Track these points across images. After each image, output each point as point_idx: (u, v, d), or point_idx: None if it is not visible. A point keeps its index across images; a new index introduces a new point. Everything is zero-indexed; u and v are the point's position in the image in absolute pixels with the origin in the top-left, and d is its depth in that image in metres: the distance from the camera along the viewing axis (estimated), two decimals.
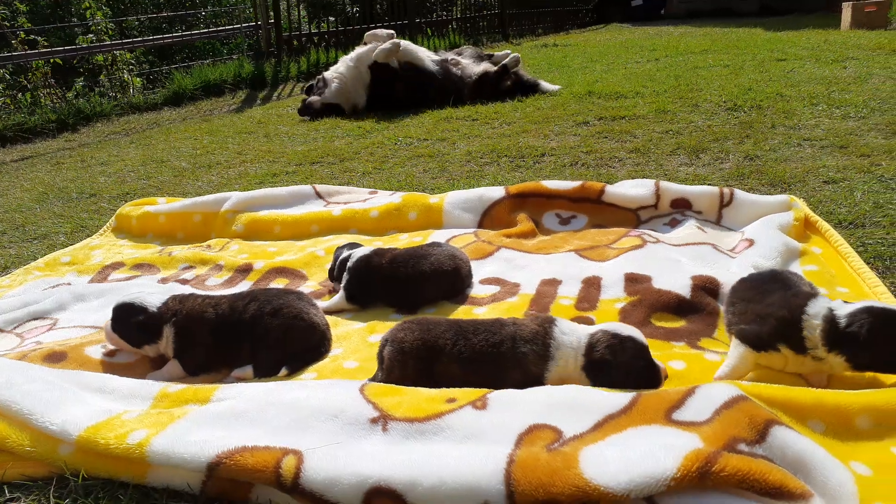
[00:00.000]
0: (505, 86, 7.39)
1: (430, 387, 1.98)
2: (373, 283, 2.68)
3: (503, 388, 1.92)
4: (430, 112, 6.96)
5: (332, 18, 13.64)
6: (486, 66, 7.55)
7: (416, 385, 2.00)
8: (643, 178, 4.22)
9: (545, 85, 7.63)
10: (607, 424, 1.69)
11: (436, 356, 2.07)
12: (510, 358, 2.03)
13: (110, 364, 2.39)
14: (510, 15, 15.20)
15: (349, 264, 2.71)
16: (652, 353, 2.00)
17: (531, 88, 7.50)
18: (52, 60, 7.95)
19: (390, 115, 6.97)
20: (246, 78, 9.08)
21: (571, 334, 2.04)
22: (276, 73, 9.31)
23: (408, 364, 2.08)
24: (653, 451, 1.51)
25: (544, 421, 1.74)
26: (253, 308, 2.31)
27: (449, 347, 2.07)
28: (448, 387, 1.96)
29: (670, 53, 10.13)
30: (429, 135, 5.93)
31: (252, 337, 2.28)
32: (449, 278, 2.71)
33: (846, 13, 11.82)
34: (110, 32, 8.72)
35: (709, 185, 3.97)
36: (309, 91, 7.42)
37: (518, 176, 4.49)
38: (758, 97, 6.24)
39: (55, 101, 8.02)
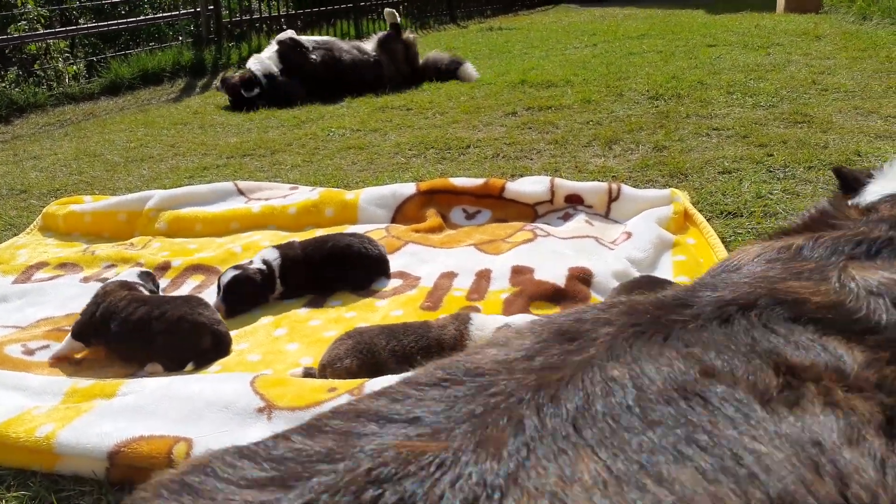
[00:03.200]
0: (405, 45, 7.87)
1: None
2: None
3: None
4: (367, 101, 7.10)
5: None
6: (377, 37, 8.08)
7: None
8: (556, 169, 4.49)
9: (467, 68, 7.87)
10: None
11: (373, 351, 2.27)
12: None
13: (28, 362, 2.55)
14: None
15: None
16: None
17: (449, 72, 7.82)
18: None
19: (327, 105, 7.09)
20: (185, 65, 9.04)
21: (484, 329, 2.27)
22: (216, 61, 9.30)
23: (349, 365, 2.25)
24: None
25: None
26: (141, 311, 2.49)
27: (383, 345, 2.28)
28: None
29: (608, 38, 10.40)
30: (362, 125, 6.08)
31: (142, 339, 2.47)
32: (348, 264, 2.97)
33: None
34: (43, 21, 8.59)
35: (614, 176, 4.25)
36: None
37: (441, 169, 4.70)
38: (680, 86, 6.53)
39: None
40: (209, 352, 2.49)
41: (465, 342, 2.26)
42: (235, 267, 2.89)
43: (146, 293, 2.73)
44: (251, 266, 2.88)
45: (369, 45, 7.98)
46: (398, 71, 7.88)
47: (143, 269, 3.05)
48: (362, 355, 2.27)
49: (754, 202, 3.61)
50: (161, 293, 2.96)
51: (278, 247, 3.02)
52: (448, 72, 7.90)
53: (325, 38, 8.13)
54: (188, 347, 2.46)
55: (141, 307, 2.51)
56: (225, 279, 2.82)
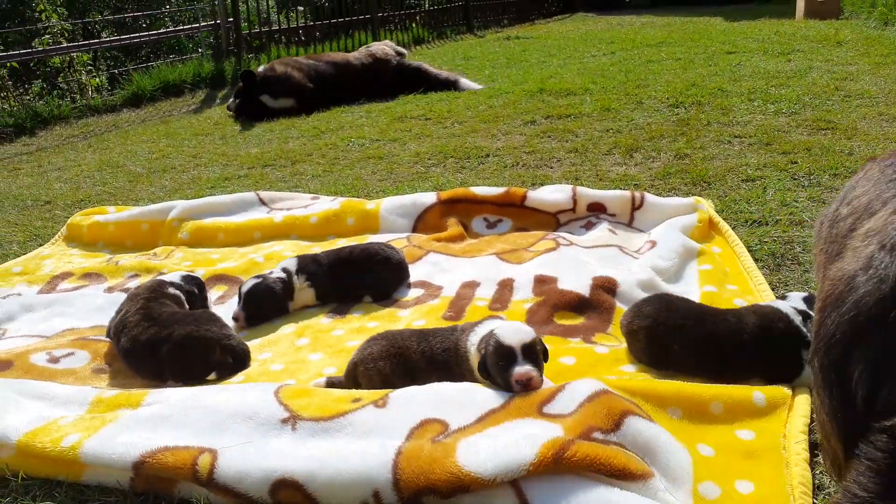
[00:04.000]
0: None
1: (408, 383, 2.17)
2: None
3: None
4: (387, 110, 7.13)
5: (301, 8, 13.62)
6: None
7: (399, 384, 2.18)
8: (576, 177, 4.46)
9: (465, 82, 8.00)
10: (488, 418, 1.91)
11: (404, 350, 2.27)
12: (454, 361, 2.24)
13: (53, 371, 2.56)
14: (475, 6, 15.29)
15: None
16: (535, 352, 2.10)
17: (448, 86, 7.94)
18: (7, 64, 7.97)
19: (346, 114, 7.12)
20: (206, 77, 9.15)
21: (476, 334, 2.21)
22: (235, 72, 9.38)
23: (381, 364, 2.26)
24: (517, 440, 1.73)
25: (435, 416, 1.95)
26: (150, 332, 2.53)
27: (414, 348, 2.27)
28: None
29: (626, 46, 10.36)
30: (381, 135, 6.10)
31: (152, 359, 2.50)
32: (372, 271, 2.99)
33: (800, 2, 12.06)
34: (66, 34, 8.73)
35: (635, 184, 4.21)
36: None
37: (461, 178, 4.69)
38: (700, 93, 6.48)
39: (12, 104, 8.04)
40: (225, 365, 2.49)
41: (463, 352, 2.21)
42: (257, 276, 2.90)
43: (170, 304, 2.74)
44: (271, 275, 2.89)
45: (357, 53, 8.38)
46: (380, 74, 8.12)
47: (190, 273, 3.08)
48: (395, 358, 2.26)
49: (780, 210, 3.56)
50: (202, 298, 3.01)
51: (298, 256, 3.03)
52: (445, 84, 8.07)
53: (311, 59, 8.20)
54: (199, 363, 2.48)
55: (151, 327, 2.53)
56: (245, 288, 2.83)
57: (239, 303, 2.85)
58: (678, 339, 2.19)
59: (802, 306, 2.20)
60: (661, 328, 2.21)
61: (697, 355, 2.17)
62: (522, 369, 2.00)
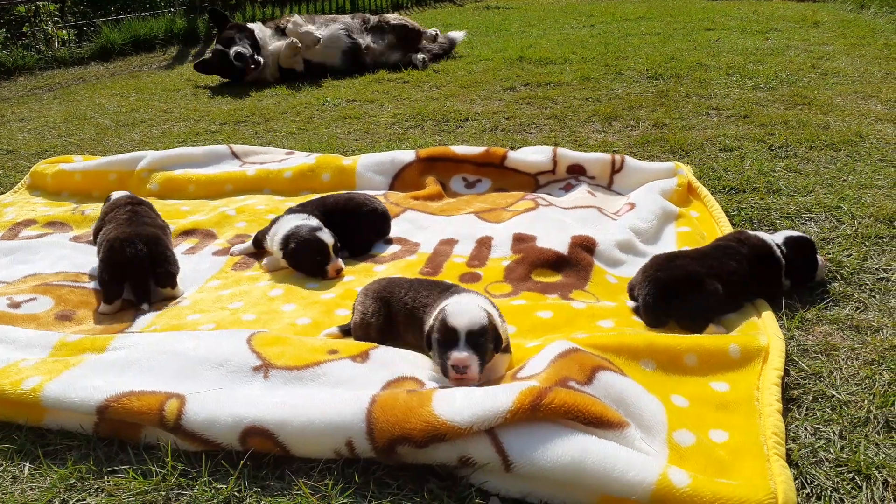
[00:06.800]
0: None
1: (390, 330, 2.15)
2: None
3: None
4: (364, 72, 6.98)
5: None
6: (398, 57, 7.45)
7: (378, 325, 2.17)
8: (555, 143, 4.42)
9: (454, 34, 7.85)
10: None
11: (390, 296, 2.21)
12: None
13: (13, 316, 2.47)
14: None
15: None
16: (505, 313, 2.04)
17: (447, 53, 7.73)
18: None
19: (322, 74, 6.96)
20: (178, 33, 8.87)
21: (438, 306, 2.04)
22: (209, 29, 9.12)
23: (367, 303, 2.23)
24: (494, 390, 1.71)
25: (413, 374, 1.92)
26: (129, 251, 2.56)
27: (401, 296, 2.19)
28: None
29: (607, 19, 10.30)
30: (358, 96, 5.98)
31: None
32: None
33: None
34: None
35: (614, 151, 4.19)
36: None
37: (439, 140, 4.62)
38: (679, 66, 6.47)
39: None
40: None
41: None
42: (311, 229, 2.70)
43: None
44: (309, 222, 2.76)
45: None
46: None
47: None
48: (380, 302, 2.21)
49: (757, 178, 3.57)
50: None
51: (301, 205, 2.96)
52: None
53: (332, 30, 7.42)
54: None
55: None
56: (328, 240, 2.68)
57: (326, 257, 2.68)
58: None
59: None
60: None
61: None
62: (461, 355, 1.82)
